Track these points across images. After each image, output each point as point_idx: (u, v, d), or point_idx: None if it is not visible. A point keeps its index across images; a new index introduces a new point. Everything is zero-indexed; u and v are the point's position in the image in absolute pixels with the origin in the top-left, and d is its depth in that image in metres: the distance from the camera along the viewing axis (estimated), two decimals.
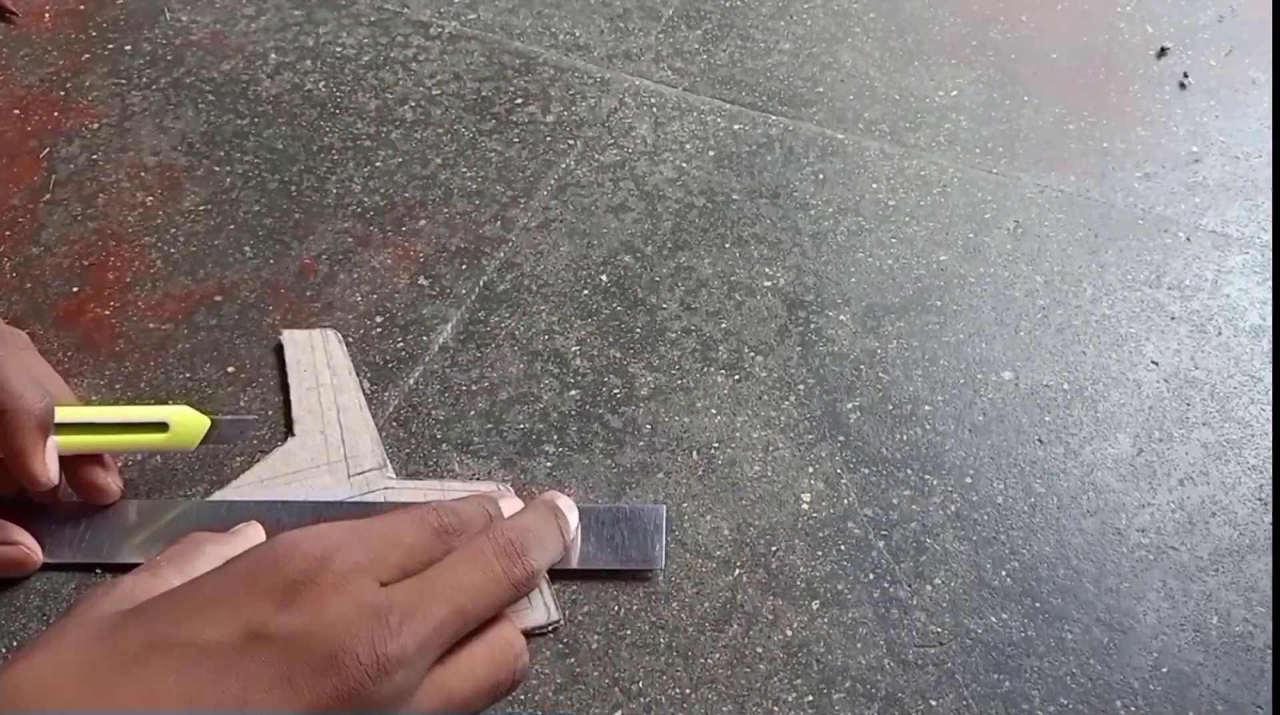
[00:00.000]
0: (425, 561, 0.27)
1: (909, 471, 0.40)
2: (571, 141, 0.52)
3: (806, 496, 0.39)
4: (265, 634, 0.23)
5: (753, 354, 0.43)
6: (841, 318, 0.45)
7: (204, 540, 0.31)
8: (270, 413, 0.41)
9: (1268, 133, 0.53)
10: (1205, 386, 0.43)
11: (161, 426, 0.36)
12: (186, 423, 0.36)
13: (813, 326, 0.44)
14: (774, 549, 0.37)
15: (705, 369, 0.43)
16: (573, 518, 0.34)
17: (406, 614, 0.24)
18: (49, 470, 0.34)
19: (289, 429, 0.40)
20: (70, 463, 0.36)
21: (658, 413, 0.41)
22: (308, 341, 0.43)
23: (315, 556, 0.25)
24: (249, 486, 0.38)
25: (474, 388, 0.42)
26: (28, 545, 0.36)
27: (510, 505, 0.33)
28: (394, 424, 0.40)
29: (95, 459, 0.36)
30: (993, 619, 0.36)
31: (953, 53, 0.58)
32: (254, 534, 0.34)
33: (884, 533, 0.38)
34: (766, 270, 0.46)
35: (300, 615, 0.23)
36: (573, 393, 0.42)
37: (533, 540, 0.29)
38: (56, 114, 0.52)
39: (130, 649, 0.23)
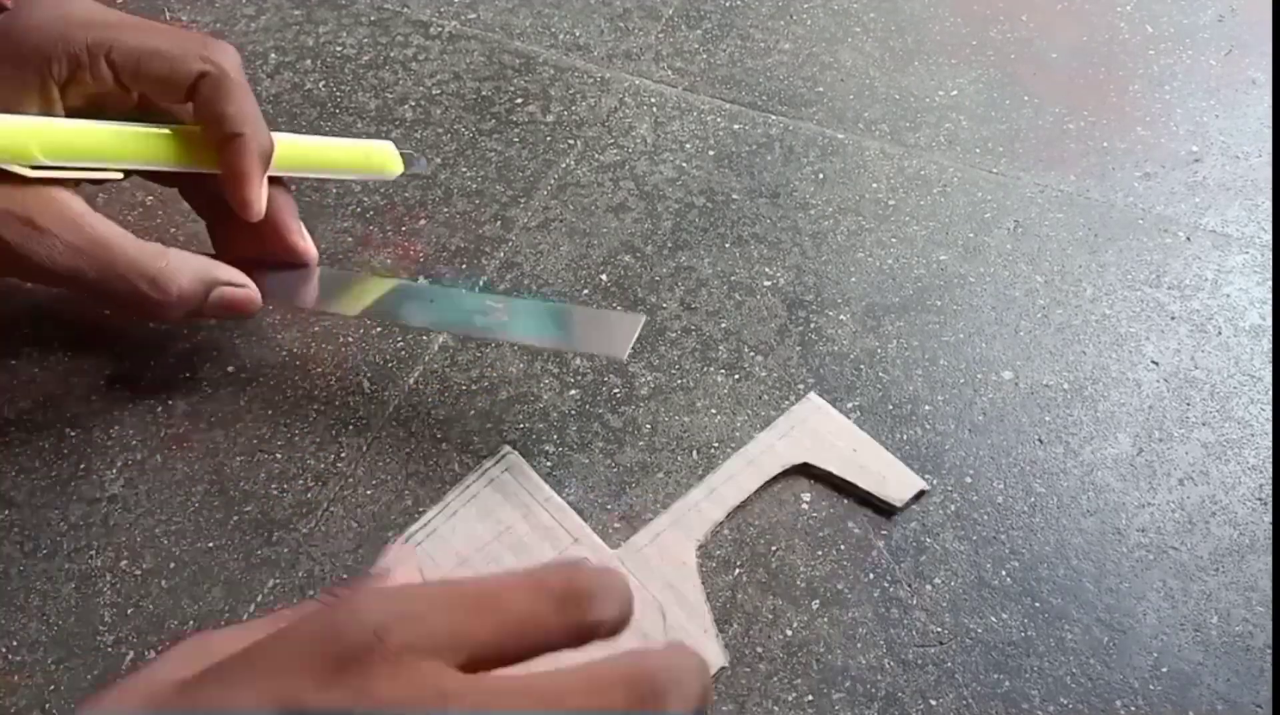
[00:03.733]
0: (536, 638, 0.22)
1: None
2: (571, 141, 0.52)
3: (806, 496, 0.39)
4: (299, 711, 0.20)
5: (753, 354, 0.43)
6: (841, 317, 0.45)
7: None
8: (270, 412, 0.41)
9: (1268, 133, 0.53)
10: (1205, 386, 0.43)
11: (363, 155, 0.40)
12: (383, 155, 0.41)
13: (813, 326, 0.44)
14: (774, 549, 0.37)
15: (705, 369, 0.43)
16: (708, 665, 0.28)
17: (477, 706, 0.20)
18: (260, 202, 0.36)
19: None
20: (273, 214, 0.38)
21: (658, 413, 0.41)
22: None
23: (375, 626, 0.21)
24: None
25: (474, 388, 0.42)
26: (251, 288, 0.38)
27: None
28: (394, 424, 0.40)
29: (293, 218, 0.39)
30: (993, 619, 0.36)
31: (953, 53, 0.58)
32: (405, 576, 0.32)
33: (884, 533, 0.38)
34: (766, 270, 0.46)
35: (342, 694, 0.20)
36: (573, 393, 0.42)
37: (672, 685, 0.21)
38: None
39: None
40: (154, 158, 0.35)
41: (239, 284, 0.37)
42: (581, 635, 0.23)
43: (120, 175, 0.35)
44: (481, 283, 0.42)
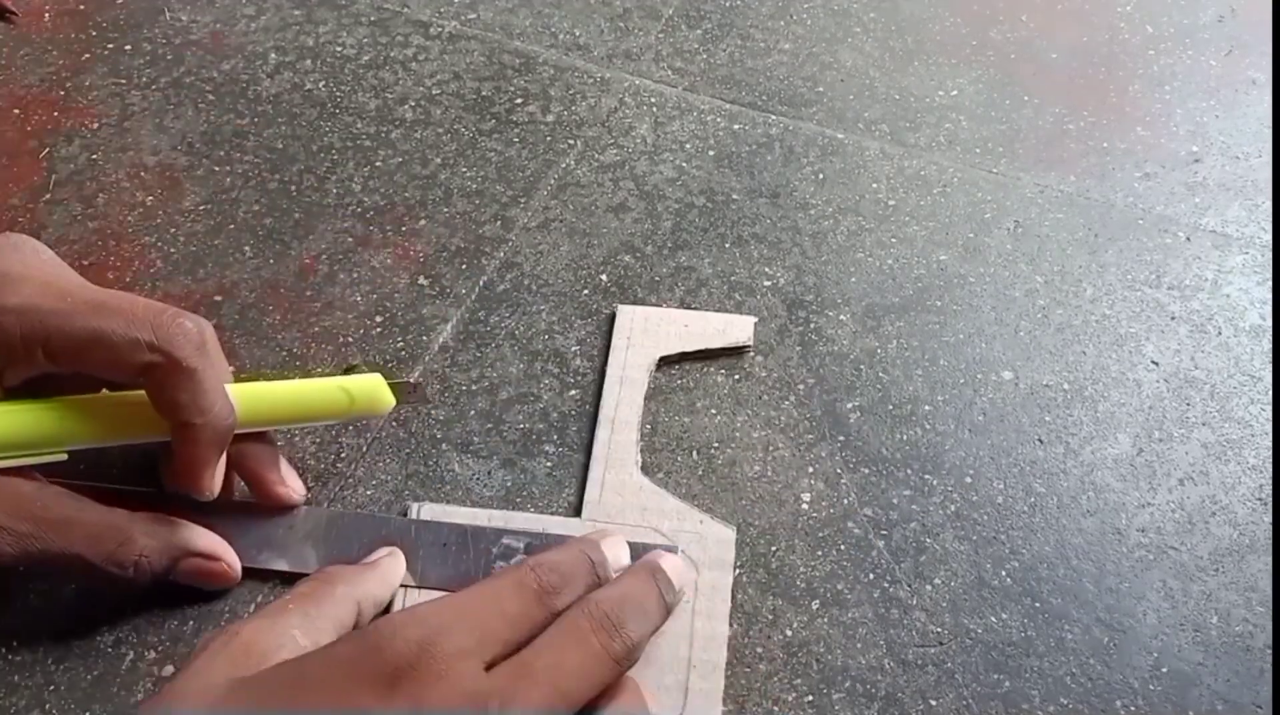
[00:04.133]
0: (529, 629, 0.28)
1: (909, 471, 0.40)
2: (571, 141, 0.52)
3: (806, 496, 0.39)
4: None
5: (753, 354, 0.43)
6: (841, 318, 0.45)
7: (336, 579, 0.31)
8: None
9: (1268, 133, 0.53)
10: (1205, 386, 0.43)
11: (344, 394, 0.36)
12: (369, 390, 0.36)
13: (813, 326, 0.44)
14: (774, 549, 0.37)
15: (705, 369, 0.43)
16: (677, 578, 0.33)
17: (506, 700, 0.25)
18: (214, 485, 0.33)
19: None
20: (250, 470, 0.36)
21: (658, 413, 0.41)
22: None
23: (417, 642, 0.25)
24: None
25: (474, 387, 0.42)
26: (229, 561, 0.35)
27: (615, 544, 0.33)
28: (394, 424, 0.40)
29: (273, 469, 0.36)
30: (993, 619, 0.36)
31: (953, 53, 0.58)
32: (392, 566, 0.34)
33: (884, 533, 0.38)
34: (766, 270, 0.46)
35: (402, 705, 0.24)
36: (573, 393, 0.42)
37: (630, 610, 0.29)
38: (56, 114, 0.52)
39: None
40: (99, 435, 0.32)
41: (213, 556, 0.34)
42: (558, 615, 0.29)
43: (64, 456, 0.32)
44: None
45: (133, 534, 0.32)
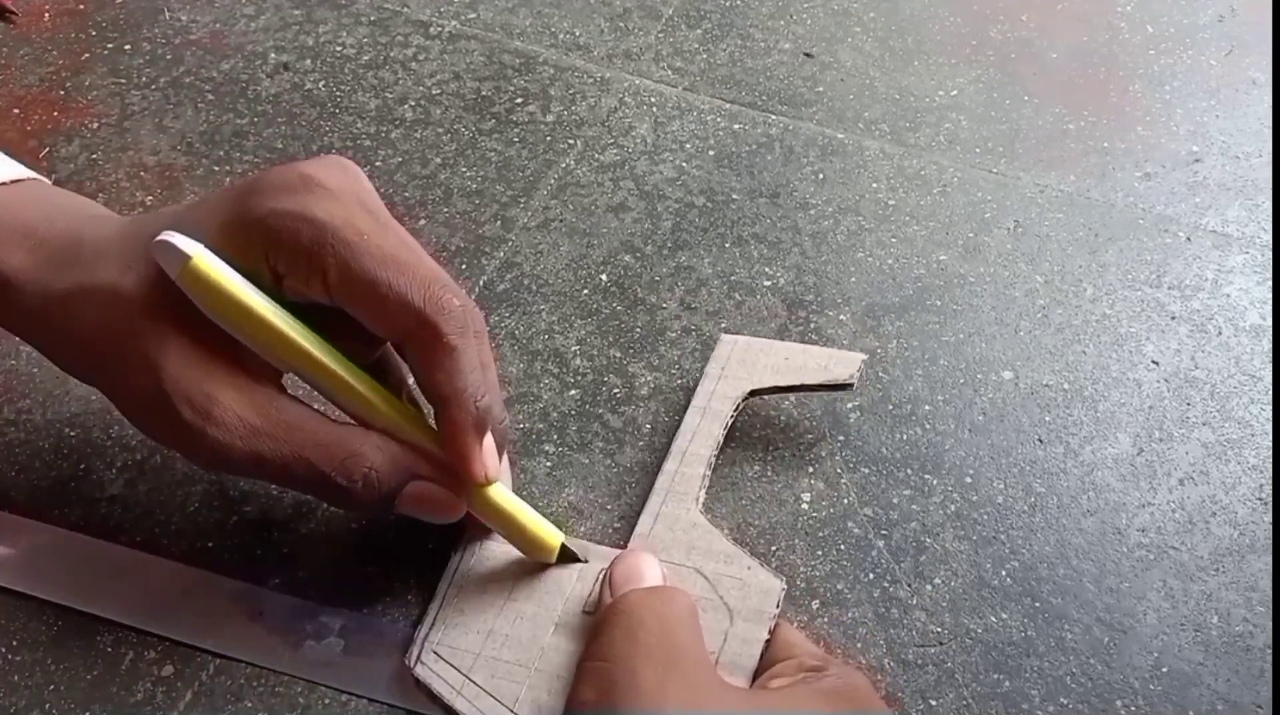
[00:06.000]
0: None
1: (909, 471, 0.40)
2: (571, 141, 0.52)
3: (806, 496, 0.39)
4: None
5: None
6: (841, 318, 0.45)
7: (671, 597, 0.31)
8: None
9: (1268, 133, 0.53)
10: (1205, 386, 0.43)
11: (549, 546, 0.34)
12: (544, 542, 0.34)
13: (813, 326, 0.44)
14: (774, 549, 0.37)
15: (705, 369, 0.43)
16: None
17: None
18: (484, 470, 0.31)
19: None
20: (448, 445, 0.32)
21: (658, 412, 0.41)
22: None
23: (864, 683, 0.30)
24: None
25: None
26: (457, 493, 0.32)
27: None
28: None
29: (470, 444, 0.32)
30: (993, 619, 0.36)
31: (953, 53, 0.58)
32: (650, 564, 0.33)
33: (884, 532, 0.38)
34: (766, 270, 0.46)
35: None
36: (573, 392, 0.42)
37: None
38: (56, 114, 0.52)
39: None
40: (336, 399, 0.32)
41: (432, 477, 0.32)
42: None
43: (281, 373, 0.31)
44: None
45: (364, 448, 0.31)
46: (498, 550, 0.36)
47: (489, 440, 0.32)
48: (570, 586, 0.34)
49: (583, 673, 0.29)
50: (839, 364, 0.39)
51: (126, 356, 0.29)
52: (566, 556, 0.34)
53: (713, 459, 0.37)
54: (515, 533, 0.34)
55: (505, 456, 0.35)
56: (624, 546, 0.36)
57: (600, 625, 0.30)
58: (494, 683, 0.32)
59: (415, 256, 0.31)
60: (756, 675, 0.32)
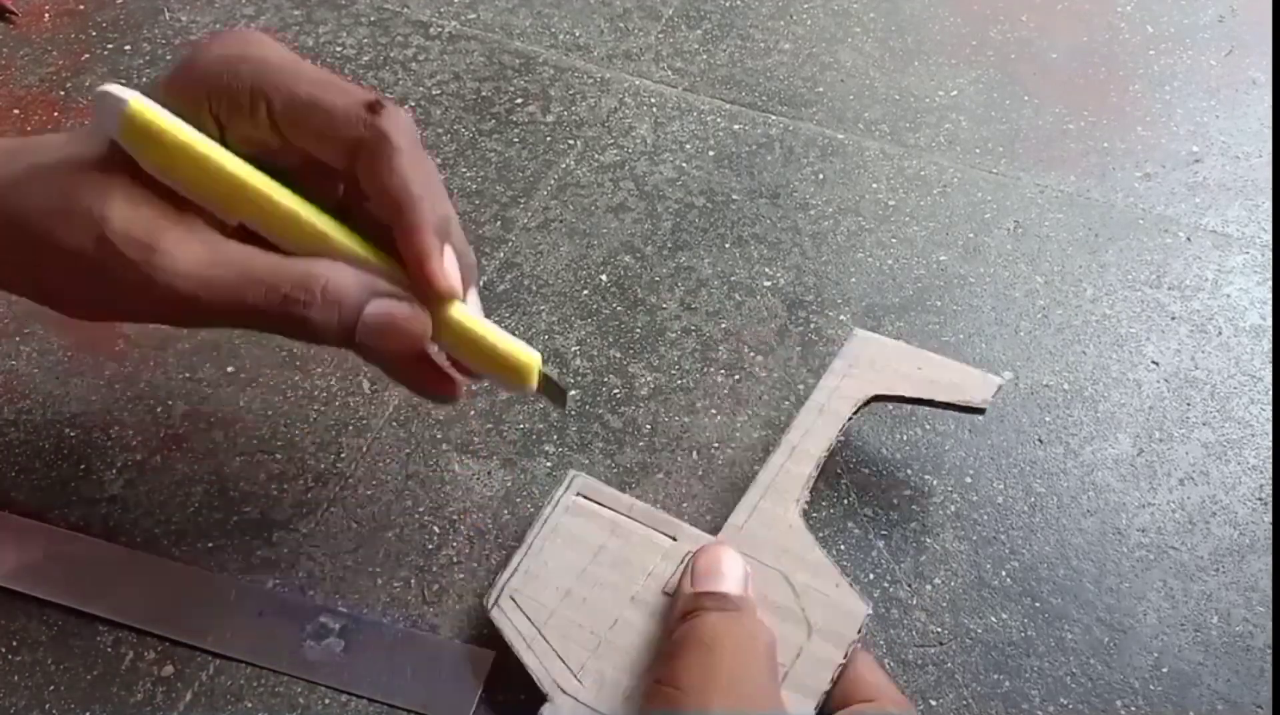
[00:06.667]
0: None
1: (909, 471, 0.40)
2: (571, 141, 0.52)
3: (806, 496, 0.39)
4: None
5: (753, 354, 0.43)
6: (841, 318, 0.45)
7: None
8: (270, 412, 0.41)
9: (1268, 133, 0.53)
10: (1205, 386, 0.43)
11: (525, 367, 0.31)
12: (522, 359, 0.31)
13: (813, 326, 0.44)
14: None
15: (705, 369, 0.43)
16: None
17: None
18: (451, 278, 0.30)
19: None
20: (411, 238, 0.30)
21: (658, 413, 0.41)
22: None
23: None
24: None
25: (474, 387, 0.42)
26: (422, 313, 0.30)
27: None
28: (394, 424, 0.40)
29: (428, 243, 0.30)
30: (993, 619, 0.36)
31: (953, 53, 0.58)
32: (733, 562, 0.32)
33: (884, 533, 0.38)
34: (766, 270, 0.46)
35: None
36: (573, 393, 0.42)
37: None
38: (56, 114, 0.52)
39: None
40: (285, 233, 0.30)
41: (396, 295, 0.30)
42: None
43: (232, 222, 0.30)
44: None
45: (319, 268, 0.29)
46: (590, 507, 0.35)
47: (450, 253, 0.30)
48: (654, 563, 0.34)
49: (653, 694, 0.29)
50: (974, 385, 0.36)
51: (69, 215, 0.28)
52: (550, 388, 0.32)
53: (822, 459, 0.36)
54: (486, 356, 0.31)
55: (474, 290, 0.33)
56: (715, 535, 0.35)
57: (678, 647, 0.29)
58: (564, 644, 0.32)
59: (345, 81, 0.31)
60: (827, 709, 0.30)
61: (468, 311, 0.31)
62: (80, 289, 0.30)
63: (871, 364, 0.38)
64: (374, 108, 0.30)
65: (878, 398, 0.37)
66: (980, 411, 0.36)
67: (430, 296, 0.30)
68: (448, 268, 0.30)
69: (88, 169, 0.29)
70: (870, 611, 0.32)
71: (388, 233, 0.30)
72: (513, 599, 0.33)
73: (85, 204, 0.28)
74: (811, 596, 0.32)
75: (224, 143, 0.30)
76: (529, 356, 0.31)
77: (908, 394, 0.36)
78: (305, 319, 0.29)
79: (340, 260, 0.30)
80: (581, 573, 0.34)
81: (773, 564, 0.33)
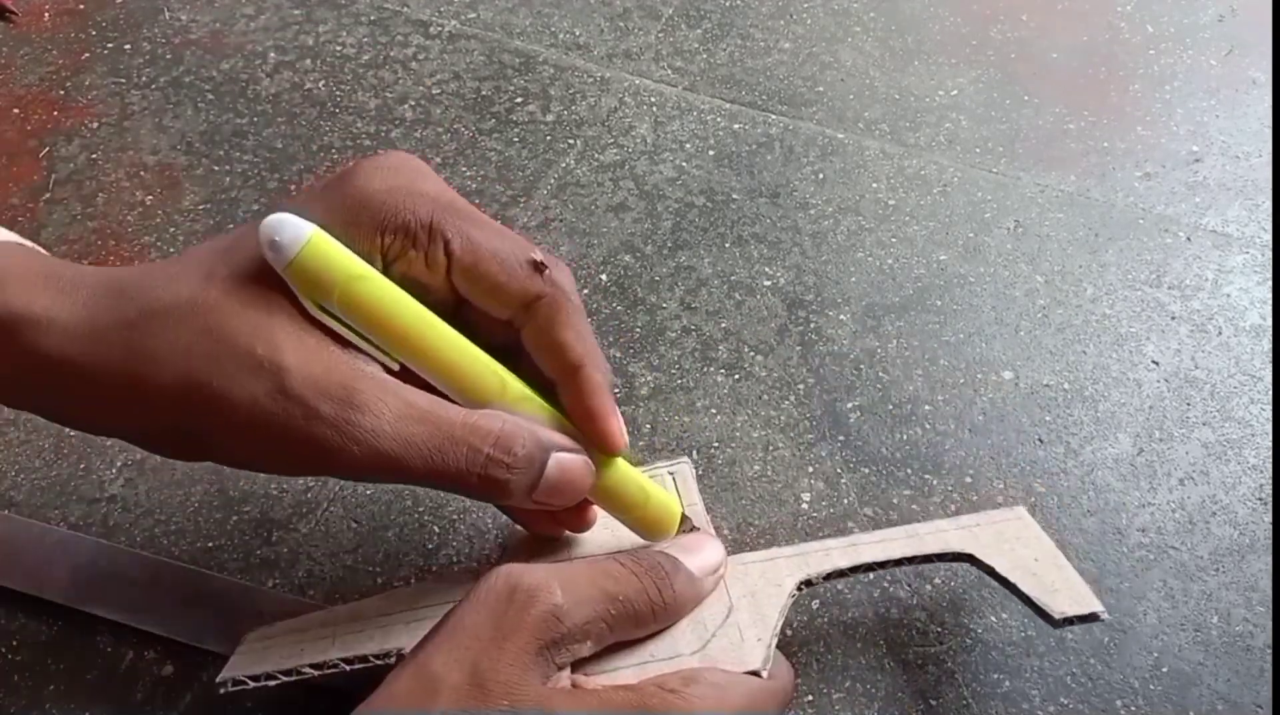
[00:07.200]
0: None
1: (909, 471, 0.40)
2: (571, 141, 0.52)
3: (806, 496, 0.39)
4: None
5: (753, 354, 0.43)
6: (841, 317, 0.45)
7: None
8: None
9: (1268, 133, 0.53)
10: (1205, 386, 0.43)
11: (643, 494, 0.31)
12: (667, 510, 0.31)
13: (813, 326, 0.44)
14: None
15: (705, 369, 0.43)
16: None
17: None
18: (624, 436, 0.29)
19: None
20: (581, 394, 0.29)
21: (658, 412, 0.41)
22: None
23: None
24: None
25: None
26: (585, 456, 0.29)
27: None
28: None
29: (604, 406, 0.29)
30: (993, 619, 0.36)
31: (953, 53, 0.58)
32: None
33: None
34: (766, 270, 0.46)
35: None
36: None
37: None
38: (56, 113, 0.52)
39: None
40: (462, 382, 0.28)
41: (573, 450, 0.28)
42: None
43: (395, 366, 0.27)
44: None
45: (507, 426, 0.27)
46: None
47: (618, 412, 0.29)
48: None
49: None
50: (1068, 597, 0.31)
51: (225, 368, 0.25)
52: (684, 526, 0.32)
53: (863, 567, 0.32)
54: (640, 505, 0.31)
55: None
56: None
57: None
58: None
59: (514, 235, 0.29)
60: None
61: (626, 466, 0.30)
62: (260, 440, 0.25)
63: (998, 532, 0.34)
64: (542, 265, 0.28)
65: (971, 557, 0.33)
66: (1054, 623, 0.31)
67: (600, 451, 0.29)
68: (621, 425, 0.29)
69: (237, 298, 0.25)
70: (760, 669, 0.28)
71: (546, 384, 0.29)
72: None
73: (249, 351, 0.25)
74: (729, 635, 0.30)
75: (388, 276, 0.27)
76: (675, 507, 0.32)
77: (1000, 570, 0.32)
78: (506, 483, 0.27)
79: (514, 412, 0.28)
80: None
81: (733, 596, 0.31)
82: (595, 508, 0.32)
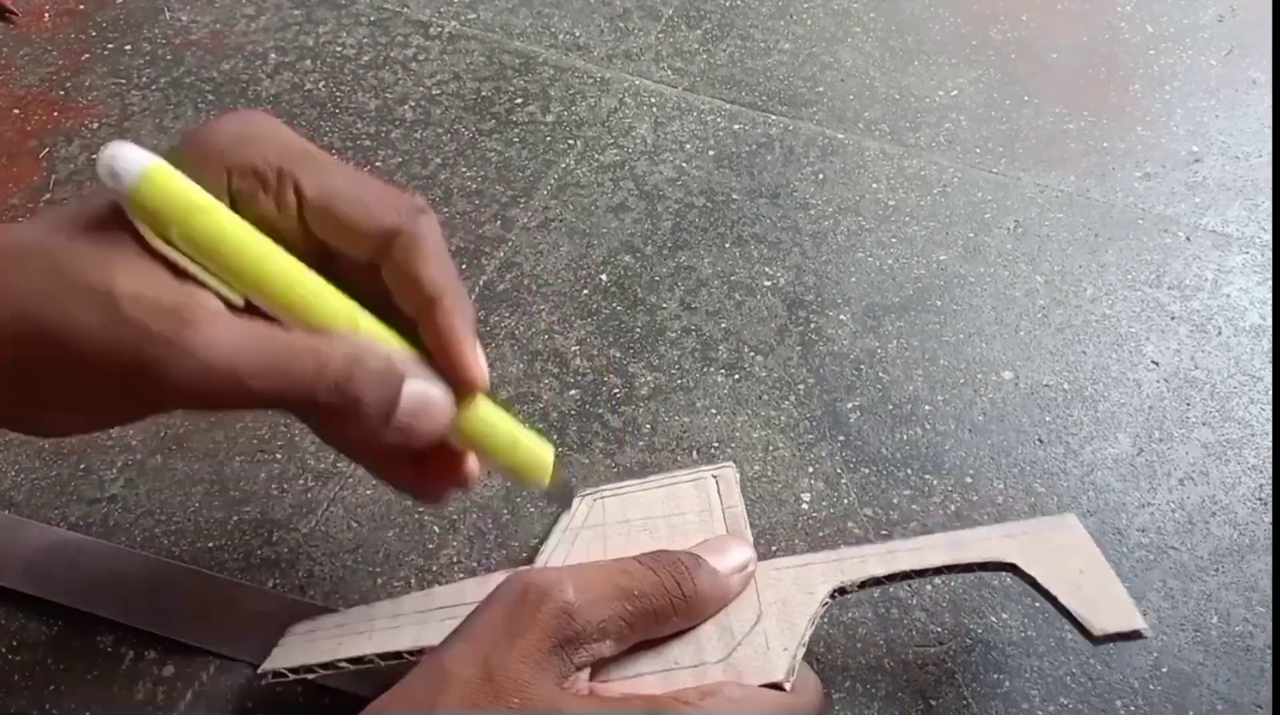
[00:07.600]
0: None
1: (909, 471, 0.40)
2: (571, 141, 0.52)
3: (806, 496, 0.39)
4: None
5: (753, 354, 0.43)
6: (841, 318, 0.45)
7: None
8: (270, 412, 0.41)
9: (1268, 133, 0.53)
10: (1205, 386, 0.43)
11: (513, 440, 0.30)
12: (538, 456, 0.31)
13: (813, 326, 0.44)
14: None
15: (705, 369, 0.43)
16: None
17: None
18: (482, 369, 0.28)
19: None
20: (440, 327, 0.28)
21: (658, 412, 0.41)
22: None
23: None
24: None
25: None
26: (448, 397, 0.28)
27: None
28: None
29: (463, 334, 0.29)
30: (993, 619, 0.36)
31: (953, 53, 0.58)
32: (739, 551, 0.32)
33: (884, 533, 0.38)
34: (766, 270, 0.46)
35: None
36: (573, 392, 0.42)
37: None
38: (56, 114, 0.52)
39: None
40: (308, 316, 0.26)
41: (430, 379, 0.28)
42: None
43: (240, 301, 0.26)
44: None
45: (362, 347, 0.26)
46: (615, 507, 0.36)
47: (479, 347, 0.29)
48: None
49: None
50: (1110, 612, 0.30)
51: (58, 300, 0.24)
52: (559, 485, 0.31)
53: (900, 576, 0.32)
54: (506, 450, 0.30)
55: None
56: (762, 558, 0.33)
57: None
58: None
59: (374, 180, 0.29)
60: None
61: (490, 405, 0.30)
62: (76, 385, 0.25)
63: (1044, 541, 0.33)
64: (405, 200, 0.28)
65: (1014, 567, 0.32)
66: (1094, 640, 0.30)
67: (459, 385, 0.28)
68: (481, 358, 0.28)
69: (79, 237, 0.25)
70: (784, 682, 0.28)
71: (408, 328, 0.29)
72: None
73: (84, 278, 0.24)
74: (756, 641, 0.30)
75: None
76: (547, 452, 0.31)
77: (1041, 582, 0.32)
78: (358, 398, 0.26)
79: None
80: (649, 518, 0.34)
81: (764, 602, 0.31)
82: (479, 466, 0.30)
